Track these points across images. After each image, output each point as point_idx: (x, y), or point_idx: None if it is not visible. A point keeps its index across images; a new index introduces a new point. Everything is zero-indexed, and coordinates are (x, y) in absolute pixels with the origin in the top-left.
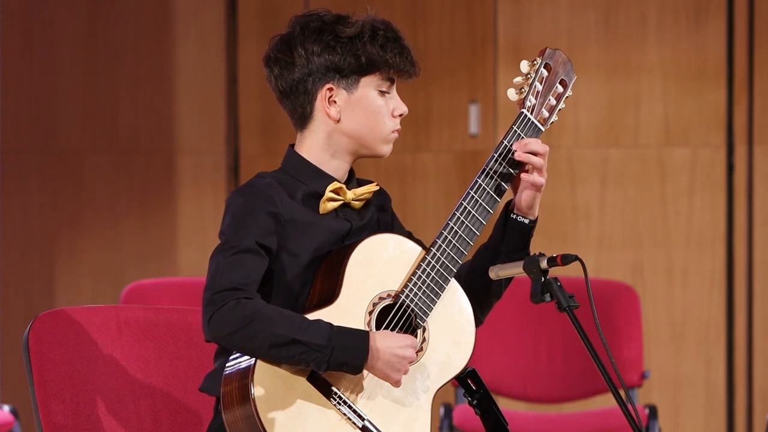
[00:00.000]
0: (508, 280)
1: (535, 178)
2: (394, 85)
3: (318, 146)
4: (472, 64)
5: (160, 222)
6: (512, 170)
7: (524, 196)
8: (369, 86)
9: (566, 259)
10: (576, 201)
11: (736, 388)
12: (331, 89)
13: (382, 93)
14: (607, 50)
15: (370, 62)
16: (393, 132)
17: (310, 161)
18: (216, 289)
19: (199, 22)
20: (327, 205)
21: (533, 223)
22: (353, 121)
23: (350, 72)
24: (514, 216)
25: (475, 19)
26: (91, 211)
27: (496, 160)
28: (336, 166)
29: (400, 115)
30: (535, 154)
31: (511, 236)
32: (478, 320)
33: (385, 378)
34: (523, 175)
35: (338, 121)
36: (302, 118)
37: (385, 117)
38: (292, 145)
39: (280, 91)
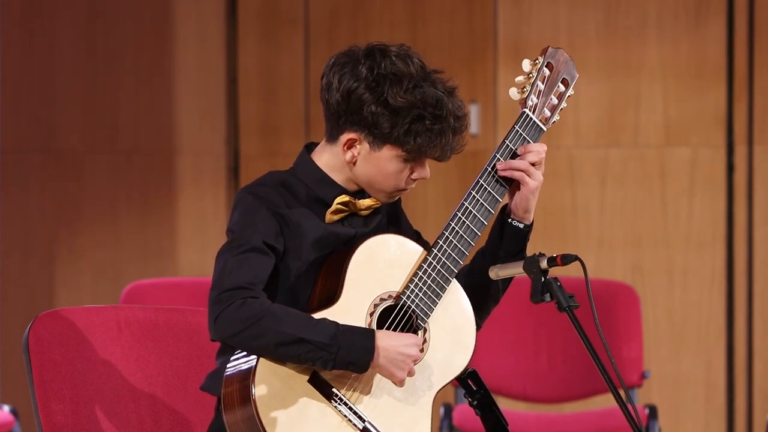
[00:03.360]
0: (506, 284)
1: (528, 180)
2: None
3: (333, 164)
4: (472, 64)
5: (160, 222)
6: None
7: (519, 199)
8: (392, 152)
9: (566, 259)
10: (576, 201)
11: (736, 388)
12: (353, 139)
13: (406, 161)
14: (607, 50)
15: (399, 140)
16: (400, 190)
17: (323, 170)
18: (223, 288)
19: (199, 22)
20: (333, 217)
21: (528, 228)
22: (366, 172)
23: (379, 136)
24: (510, 220)
25: (475, 19)
26: (91, 211)
27: (498, 161)
28: (347, 182)
29: (417, 179)
30: (531, 163)
31: (508, 241)
32: (476, 325)
33: (390, 376)
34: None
35: (353, 164)
36: (330, 135)
37: (399, 180)
38: (308, 147)
39: (321, 98)
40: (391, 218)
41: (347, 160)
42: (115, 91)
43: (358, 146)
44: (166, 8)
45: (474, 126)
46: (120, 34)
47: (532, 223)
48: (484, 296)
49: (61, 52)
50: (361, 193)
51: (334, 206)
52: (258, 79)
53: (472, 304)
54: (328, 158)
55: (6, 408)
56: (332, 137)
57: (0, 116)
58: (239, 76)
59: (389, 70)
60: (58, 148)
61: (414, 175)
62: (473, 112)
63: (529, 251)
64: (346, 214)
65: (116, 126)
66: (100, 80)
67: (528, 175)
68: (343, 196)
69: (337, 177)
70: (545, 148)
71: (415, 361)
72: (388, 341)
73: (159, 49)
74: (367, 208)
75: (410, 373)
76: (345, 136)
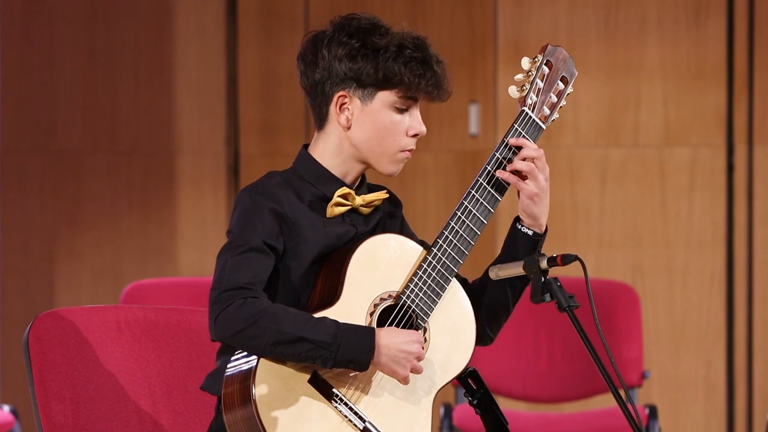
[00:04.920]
0: (516, 297)
1: (524, 186)
2: (417, 104)
3: (329, 150)
4: (472, 64)
5: (160, 222)
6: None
7: (520, 203)
8: (385, 101)
9: (566, 259)
10: (576, 201)
11: (736, 388)
12: (343, 96)
13: (400, 110)
14: (607, 50)
15: (387, 78)
16: (402, 151)
17: (322, 164)
18: (222, 288)
19: (199, 22)
20: (334, 210)
21: (538, 236)
22: (363, 132)
23: (367, 83)
24: (519, 226)
25: (475, 19)
26: (91, 211)
27: (497, 159)
28: (346, 171)
29: (416, 135)
30: (529, 159)
31: (517, 248)
32: (489, 338)
33: (392, 374)
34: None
35: (348, 128)
36: (320, 119)
37: (397, 135)
38: (306, 146)
39: (304, 88)
40: (390, 216)
41: (343, 125)
42: (115, 91)
43: (349, 106)
44: (166, 8)
45: (474, 126)
46: (120, 34)
47: (544, 233)
48: (496, 307)
49: (61, 52)
50: (360, 190)
51: (335, 199)
52: (258, 79)
53: (485, 317)
54: (323, 145)
55: (6, 408)
56: (322, 118)
57: (0, 116)
58: (239, 76)
59: (359, 26)
60: (58, 148)
61: (410, 131)
62: (473, 112)
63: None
64: (347, 208)
65: (116, 126)
66: (100, 80)
67: (529, 178)
68: (344, 188)
69: (336, 164)
70: (540, 152)
71: (418, 358)
72: (388, 339)
73: (159, 49)
74: (368, 205)
75: (415, 370)
76: (335, 99)
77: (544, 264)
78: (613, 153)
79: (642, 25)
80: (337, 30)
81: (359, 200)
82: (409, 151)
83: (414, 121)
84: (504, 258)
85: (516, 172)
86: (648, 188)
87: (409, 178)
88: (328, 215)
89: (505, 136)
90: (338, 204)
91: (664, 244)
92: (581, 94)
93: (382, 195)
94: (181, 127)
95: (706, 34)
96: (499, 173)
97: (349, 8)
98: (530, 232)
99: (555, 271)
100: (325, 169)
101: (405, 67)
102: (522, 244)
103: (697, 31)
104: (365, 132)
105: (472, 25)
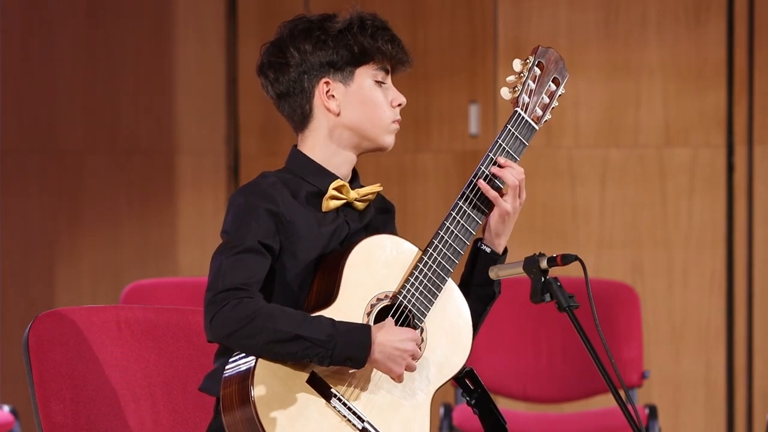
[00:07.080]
0: (480, 317)
1: (502, 203)
2: (389, 77)
3: (320, 144)
4: (472, 64)
5: (160, 222)
6: None
7: (490, 219)
8: (364, 77)
9: (566, 259)
10: (576, 201)
11: (736, 388)
12: (327, 83)
13: (379, 83)
14: (607, 50)
15: (363, 51)
16: (393, 122)
17: (314, 159)
18: (218, 290)
19: (199, 22)
20: (329, 203)
21: (496, 256)
22: (353, 112)
23: (344, 64)
24: (479, 244)
25: (475, 19)
26: (91, 211)
27: (491, 160)
28: (339, 164)
29: (399, 105)
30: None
31: (479, 269)
32: None
33: (388, 372)
34: (495, 198)
35: (338, 114)
36: (302, 119)
37: (384, 107)
38: (296, 146)
39: (277, 94)
40: (382, 212)
41: (333, 112)
42: (115, 91)
43: (334, 92)
44: (166, 8)
45: (474, 126)
46: (120, 34)
47: (502, 254)
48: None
49: (61, 52)
50: (353, 185)
51: (330, 192)
52: (258, 80)
53: None
54: (312, 141)
55: (6, 408)
56: (305, 116)
57: (0, 116)
58: (239, 76)
59: (313, 20)
60: (58, 148)
61: (393, 102)
62: (473, 112)
63: (529, 251)
64: (342, 202)
65: (116, 126)
66: (100, 80)
67: (510, 195)
68: (338, 181)
69: (328, 156)
70: (521, 174)
71: (414, 357)
72: (384, 336)
73: (159, 49)
74: (362, 199)
75: (410, 368)
76: (319, 88)
77: (544, 264)
78: (613, 153)
79: (642, 25)
80: (293, 30)
81: (354, 194)
82: (397, 121)
83: (394, 92)
84: (466, 276)
85: (498, 189)
86: (648, 188)
87: (409, 178)
88: (323, 209)
89: (498, 137)
90: (333, 197)
91: (664, 244)
92: (581, 94)
93: (375, 188)
94: (181, 127)
95: (706, 34)
96: (481, 185)
97: (349, 8)
98: (488, 250)
99: (555, 271)
100: (318, 164)
101: (374, 38)
102: (481, 264)
103: (697, 31)
104: (356, 111)
105: (472, 26)
